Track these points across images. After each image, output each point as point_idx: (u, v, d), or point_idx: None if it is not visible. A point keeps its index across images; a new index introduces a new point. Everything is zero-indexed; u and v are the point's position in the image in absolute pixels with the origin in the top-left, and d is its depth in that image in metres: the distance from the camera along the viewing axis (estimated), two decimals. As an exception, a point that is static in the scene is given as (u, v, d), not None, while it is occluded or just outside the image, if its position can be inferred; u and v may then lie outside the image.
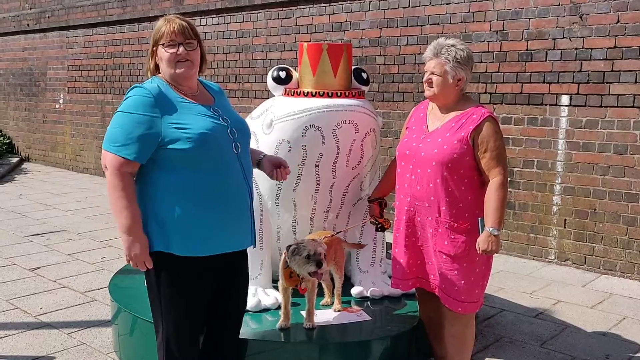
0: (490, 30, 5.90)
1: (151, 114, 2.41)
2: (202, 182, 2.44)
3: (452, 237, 2.96)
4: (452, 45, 2.97)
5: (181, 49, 2.50)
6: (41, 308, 4.40)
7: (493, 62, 5.89)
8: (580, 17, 5.37)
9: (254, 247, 2.79)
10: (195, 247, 2.46)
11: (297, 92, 3.49)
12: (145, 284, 2.64)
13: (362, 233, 3.83)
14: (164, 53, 2.51)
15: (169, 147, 2.41)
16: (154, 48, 2.56)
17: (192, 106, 2.52)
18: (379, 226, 3.43)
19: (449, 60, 2.94)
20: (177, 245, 2.44)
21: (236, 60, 8.23)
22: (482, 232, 2.87)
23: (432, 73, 2.98)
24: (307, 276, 3.03)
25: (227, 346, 2.79)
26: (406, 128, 3.23)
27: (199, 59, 2.60)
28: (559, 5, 5.47)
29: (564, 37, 5.47)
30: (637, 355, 3.79)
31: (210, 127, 2.47)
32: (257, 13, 7.91)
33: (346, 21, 6.99)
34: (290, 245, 3.06)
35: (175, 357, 2.58)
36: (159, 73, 2.60)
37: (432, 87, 2.99)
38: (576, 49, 5.41)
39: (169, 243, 2.44)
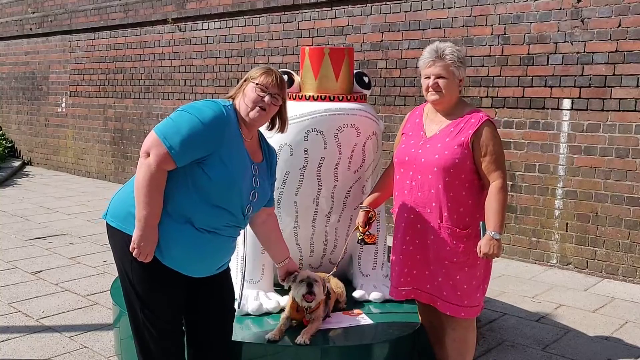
0: (491, 34, 5.91)
1: (216, 135, 2.48)
2: (202, 211, 2.51)
3: (454, 242, 2.96)
4: (450, 47, 2.99)
5: (267, 97, 2.59)
6: (43, 311, 4.41)
7: (495, 66, 5.90)
8: (582, 21, 5.38)
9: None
10: (171, 261, 2.53)
11: (299, 96, 3.49)
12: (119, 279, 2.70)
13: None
14: (251, 92, 2.60)
15: (202, 166, 2.47)
16: (245, 81, 2.65)
17: (244, 153, 2.61)
18: (360, 239, 3.29)
19: (454, 61, 2.95)
20: (158, 249, 2.52)
21: (238, 64, 8.24)
22: (483, 235, 2.87)
23: (439, 77, 2.95)
24: (302, 301, 3.13)
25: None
26: (402, 134, 3.20)
27: (274, 114, 2.70)
28: (560, 9, 5.48)
29: (565, 41, 5.48)
30: (639, 359, 3.78)
31: (242, 180, 2.56)
32: (259, 17, 7.92)
33: (348, 25, 7.01)
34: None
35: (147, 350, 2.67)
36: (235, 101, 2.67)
37: (440, 91, 2.96)
38: (578, 53, 5.42)
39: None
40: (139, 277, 2.56)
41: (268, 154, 2.82)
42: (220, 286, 2.78)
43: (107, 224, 2.65)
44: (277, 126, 2.79)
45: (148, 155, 2.42)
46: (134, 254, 2.49)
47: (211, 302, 2.76)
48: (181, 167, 2.46)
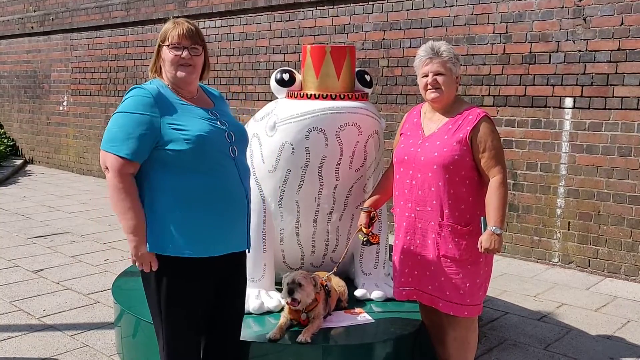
0: (493, 32, 5.89)
1: (150, 113, 2.41)
2: (198, 183, 2.44)
3: (456, 239, 2.95)
4: (445, 44, 3.02)
5: (185, 52, 2.50)
6: (44, 310, 4.41)
7: (496, 64, 5.89)
8: (584, 20, 5.36)
9: (249, 251, 2.78)
10: (191, 248, 2.45)
11: (300, 94, 3.49)
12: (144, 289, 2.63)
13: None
14: (167, 54, 2.51)
15: (166, 148, 2.41)
16: (159, 48, 2.56)
17: (191, 108, 2.52)
18: (365, 240, 3.27)
19: (451, 58, 2.98)
20: (173, 246, 2.43)
21: (239, 63, 8.24)
22: (484, 231, 2.87)
23: (437, 74, 2.97)
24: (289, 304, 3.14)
25: (228, 350, 2.78)
26: (401, 134, 3.22)
27: (202, 65, 2.60)
28: (562, 7, 5.47)
29: (567, 40, 5.46)
30: (641, 358, 3.78)
31: (208, 130, 2.48)
32: (261, 16, 7.92)
33: (349, 23, 7.00)
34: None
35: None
36: (161, 74, 2.59)
37: (439, 88, 2.98)
38: (580, 51, 5.41)
39: (164, 245, 2.43)
40: (169, 284, 2.50)
41: (217, 96, 2.76)
42: (236, 290, 2.75)
43: None
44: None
45: (107, 169, 2.42)
46: (137, 267, 2.46)
47: (227, 301, 2.72)
48: (155, 165, 2.42)
